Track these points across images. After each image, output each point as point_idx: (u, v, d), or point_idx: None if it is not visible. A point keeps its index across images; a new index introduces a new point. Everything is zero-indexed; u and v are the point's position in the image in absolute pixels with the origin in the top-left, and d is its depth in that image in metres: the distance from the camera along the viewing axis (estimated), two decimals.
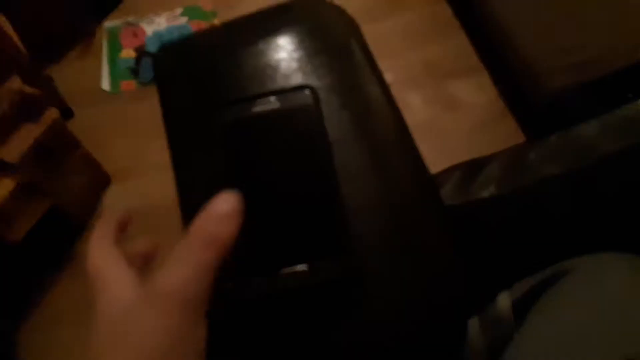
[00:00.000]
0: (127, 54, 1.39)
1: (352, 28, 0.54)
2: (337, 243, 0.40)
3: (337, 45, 0.51)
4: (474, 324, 0.41)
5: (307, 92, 0.43)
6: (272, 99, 0.42)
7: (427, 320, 0.43)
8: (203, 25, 1.39)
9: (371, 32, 1.37)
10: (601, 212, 0.57)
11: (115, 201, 1.27)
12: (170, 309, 0.26)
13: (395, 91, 1.32)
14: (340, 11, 0.54)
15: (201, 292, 0.27)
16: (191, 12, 1.40)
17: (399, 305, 0.43)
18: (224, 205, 0.29)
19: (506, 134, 1.12)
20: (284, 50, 0.49)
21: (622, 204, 0.57)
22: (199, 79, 0.50)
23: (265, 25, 0.52)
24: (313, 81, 0.47)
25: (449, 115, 1.20)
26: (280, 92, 0.43)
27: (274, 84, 0.47)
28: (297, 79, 0.47)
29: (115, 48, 1.41)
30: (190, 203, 0.46)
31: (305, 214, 0.40)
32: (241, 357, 0.42)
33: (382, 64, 1.37)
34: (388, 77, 1.33)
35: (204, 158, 0.45)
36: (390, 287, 0.43)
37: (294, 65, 0.48)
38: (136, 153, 1.31)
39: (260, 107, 0.42)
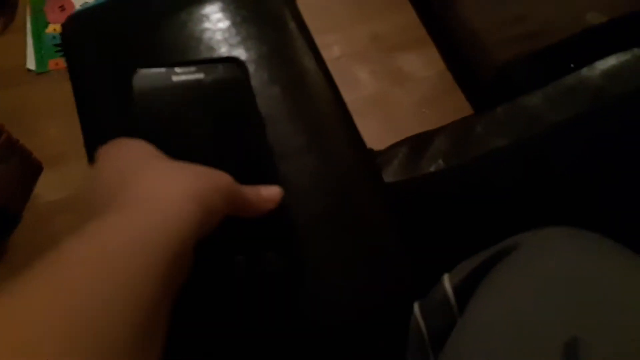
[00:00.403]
0: (55, 29, 1.28)
1: None
2: (276, 234, 0.37)
3: (268, 15, 0.47)
4: (415, 310, 0.39)
5: (235, 65, 0.39)
6: (195, 68, 0.38)
7: (371, 303, 0.41)
8: None
9: (317, 4, 1.32)
10: (547, 183, 0.57)
11: (49, 189, 1.19)
12: (210, 183, 0.29)
13: (342, 65, 1.28)
14: None
15: (221, 208, 0.29)
16: None
17: (341, 287, 0.41)
18: (272, 191, 0.34)
19: (455, 107, 1.11)
20: (209, 20, 0.44)
21: (567, 174, 0.57)
22: (113, 53, 0.44)
23: None
24: (240, 53, 0.43)
25: (398, 89, 1.18)
26: (205, 62, 0.39)
27: (196, 57, 0.43)
28: (222, 52, 0.43)
29: (40, 23, 1.30)
30: None
31: None
32: (179, 347, 0.39)
33: (329, 38, 1.33)
34: (335, 51, 1.29)
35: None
36: (333, 268, 0.41)
37: (219, 36, 0.44)
38: (70, 136, 1.21)
39: (181, 76, 0.37)
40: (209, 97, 0.38)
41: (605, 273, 0.30)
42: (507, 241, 0.36)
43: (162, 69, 0.37)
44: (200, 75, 0.37)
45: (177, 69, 0.37)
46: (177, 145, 0.36)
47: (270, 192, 0.34)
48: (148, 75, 0.37)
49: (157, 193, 0.27)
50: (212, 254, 0.35)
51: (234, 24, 0.44)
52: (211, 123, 0.37)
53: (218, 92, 0.38)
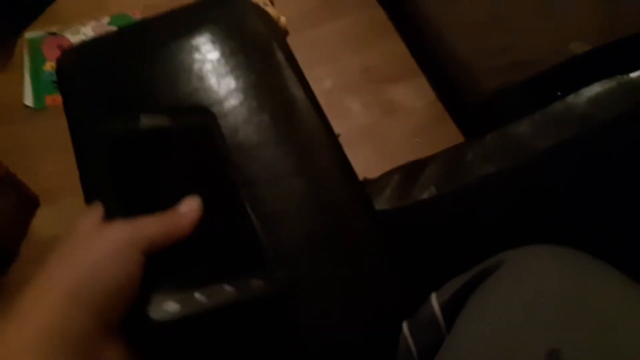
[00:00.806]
0: (52, 66, 1.31)
1: (271, 27, 0.51)
2: (257, 260, 0.37)
3: (256, 45, 0.48)
4: (404, 329, 0.39)
5: (204, 115, 0.40)
6: (164, 118, 0.39)
7: (360, 325, 0.41)
8: None
9: (308, 38, 1.34)
10: (536, 209, 0.58)
11: (45, 223, 1.18)
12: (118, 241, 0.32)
13: (334, 97, 1.30)
14: (259, 9, 0.52)
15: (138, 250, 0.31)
16: (119, 20, 1.33)
17: (331, 309, 0.40)
18: (190, 203, 0.36)
19: (446, 136, 1.12)
20: (198, 51, 0.46)
21: (555, 199, 0.57)
22: (106, 86, 0.46)
23: (178, 25, 0.49)
24: (229, 82, 0.44)
25: (389, 120, 1.19)
26: (174, 111, 0.40)
27: (187, 87, 0.44)
28: (212, 81, 0.44)
29: (38, 61, 1.32)
30: None
31: (214, 235, 0.37)
32: None
33: (321, 71, 1.35)
34: (327, 83, 1.31)
35: (107, 176, 0.42)
36: (322, 290, 0.41)
37: (209, 66, 0.45)
38: (66, 171, 1.21)
39: (149, 122, 0.39)
40: (175, 146, 0.39)
41: (588, 289, 0.30)
42: (492, 259, 0.36)
43: (132, 118, 0.39)
44: (168, 123, 0.39)
45: (145, 118, 0.39)
46: (141, 191, 0.38)
47: (189, 204, 0.35)
48: (119, 123, 0.39)
49: (34, 301, 0.29)
50: (198, 284, 0.35)
51: (223, 54, 0.45)
52: (178, 174, 0.39)
53: (185, 142, 0.39)
